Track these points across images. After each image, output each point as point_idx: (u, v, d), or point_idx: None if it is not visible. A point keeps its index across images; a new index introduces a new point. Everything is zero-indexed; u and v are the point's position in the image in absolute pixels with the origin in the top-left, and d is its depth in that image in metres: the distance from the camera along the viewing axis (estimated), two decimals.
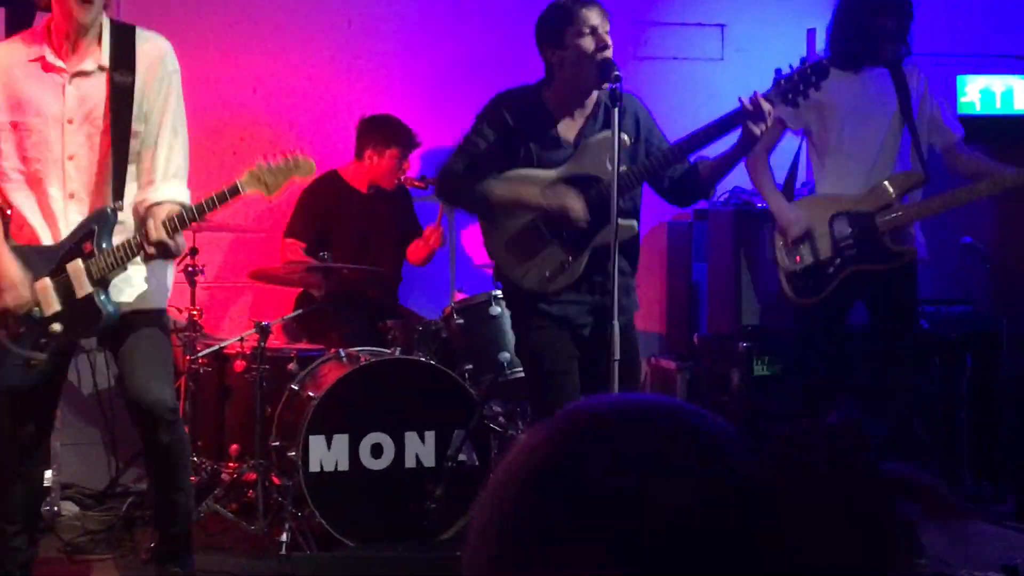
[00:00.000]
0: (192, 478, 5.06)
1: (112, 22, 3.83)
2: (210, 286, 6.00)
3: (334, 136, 6.25)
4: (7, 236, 3.82)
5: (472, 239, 6.25)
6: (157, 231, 3.65)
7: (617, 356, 3.75)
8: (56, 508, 5.18)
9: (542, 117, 4.18)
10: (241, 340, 5.23)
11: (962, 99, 6.50)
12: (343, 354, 5.10)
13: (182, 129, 3.90)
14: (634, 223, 4.15)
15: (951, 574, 4.35)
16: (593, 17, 4.08)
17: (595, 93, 4.19)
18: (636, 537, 0.92)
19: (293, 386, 5.11)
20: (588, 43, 4.07)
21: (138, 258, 3.79)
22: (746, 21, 6.83)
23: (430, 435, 4.98)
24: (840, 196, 4.98)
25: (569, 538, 0.93)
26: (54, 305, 3.75)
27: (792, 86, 4.08)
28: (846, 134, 4.98)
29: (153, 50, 3.84)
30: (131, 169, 3.79)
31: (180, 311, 5.28)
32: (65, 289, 3.75)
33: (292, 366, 5.24)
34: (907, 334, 5.00)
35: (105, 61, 3.76)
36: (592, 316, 4.19)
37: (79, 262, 3.74)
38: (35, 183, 3.80)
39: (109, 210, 3.75)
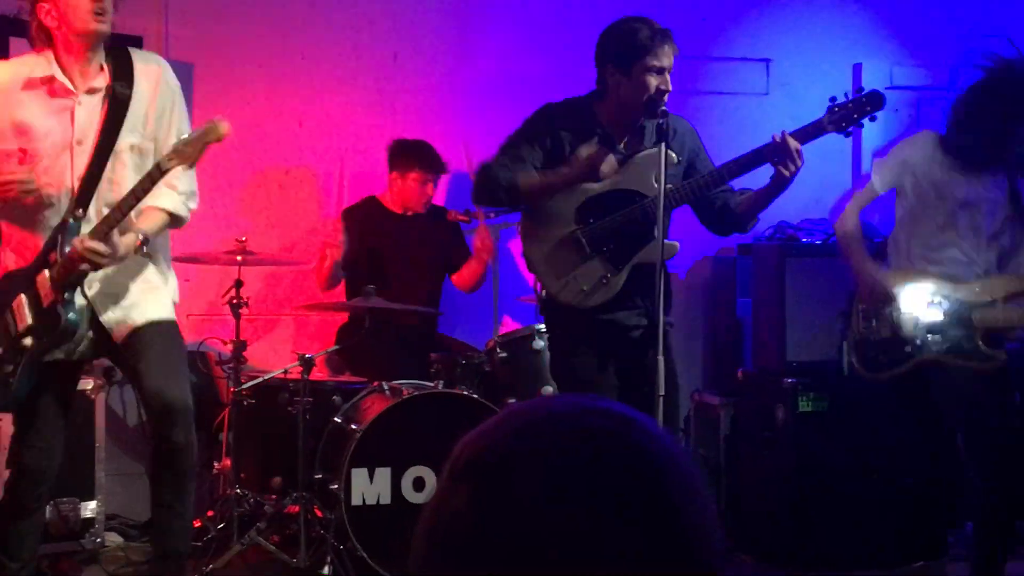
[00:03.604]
0: (235, 510, 5.09)
1: (107, 46, 3.82)
2: (253, 318, 6.03)
3: (379, 169, 6.27)
4: None
5: (515, 272, 6.25)
6: (83, 243, 3.62)
7: (662, 391, 3.73)
8: (100, 539, 5.20)
9: (592, 124, 4.18)
10: (285, 372, 5.25)
11: None
12: (386, 387, 5.10)
13: None
14: (676, 243, 4.11)
15: None
16: (665, 58, 4.09)
17: None
18: None
19: (336, 419, 5.11)
20: (652, 82, 4.07)
21: (137, 277, 3.83)
22: (792, 56, 6.82)
23: None
24: (940, 278, 4.58)
25: None
26: (27, 319, 3.73)
27: (846, 114, 4.03)
28: (956, 221, 4.57)
29: (152, 69, 3.85)
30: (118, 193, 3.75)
31: (225, 343, 5.31)
32: (35, 301, 3.73)
33: (335, 399, 5.25)
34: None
35: (108, 79, 3.77)
36: (634, 341, 4.18)
37: (45, 272, 3.72)
38: (47, 208, 3.77)
39: (71, 219, 3.71)
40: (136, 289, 3.86)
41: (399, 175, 5.91)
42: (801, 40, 6.83)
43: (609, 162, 4.09)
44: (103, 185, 3.75)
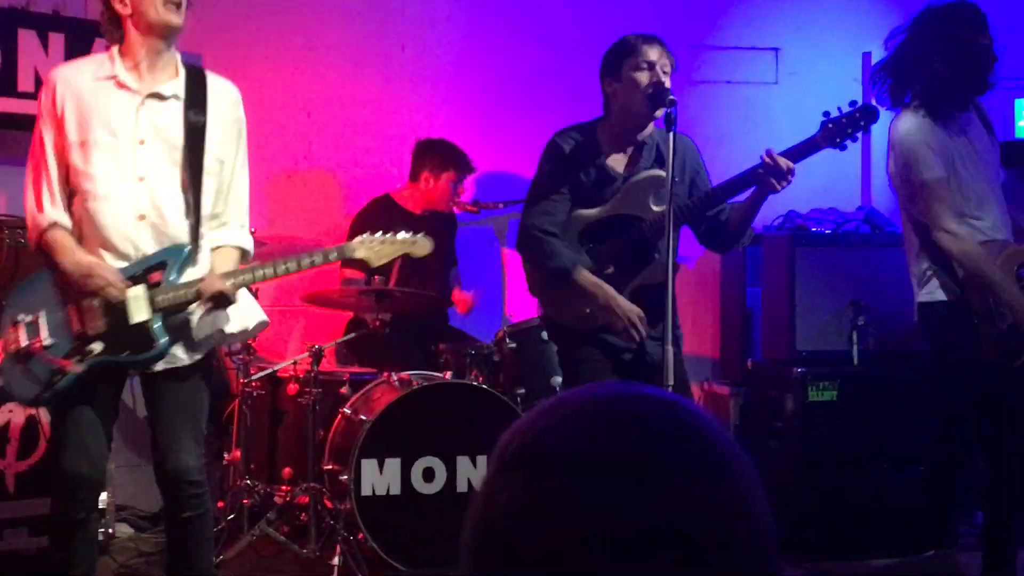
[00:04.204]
0: (245, 500, 5.11)
1: (184, 62, 3.77)
2: (264, 310, 6.02)
3: (387, 160, 6.28)
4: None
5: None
6: (215, 283, 3.59)
7: (671, 381, 3.72)
8: (111, 530, 5.20)
9: (593, 151, 4.21)
10: (294, 364, 5.25)
11: (1020, 122, 6.43)
12: (395, 378, 5.10)
13: (247, 175, 3.89)
14: (678, 264, 4.14)
15: None
16: (652, 53, 4.11)
17: (650, 130, 4.20)
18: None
19: (345, 410, 5.11)
20: (643, 77, 4.09)
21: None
22: (800, 45, 6.80)
23: (482, 459, 4.96)
24: (1009, 244, 4.44)
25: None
26: (98, 325, 3.61)
27: (840, 129, 4.04)
28: (969, 179, 4.46)
29: (226, 94, 3.79)
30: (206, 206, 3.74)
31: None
32: (117, 313, 3.60)
33: (344, 390, 5.25)
34: None
35: (180, 92, 3.69)
36: (634, 350, 4.20)
37: (141, 289, 3.61)
38: (104, 201, 3.65)
39: (186, 247, 3.65)
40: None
41: (432, 175, 5.89)
42: (810, 29, 6.81)
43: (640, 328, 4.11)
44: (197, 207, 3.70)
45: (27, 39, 5.41)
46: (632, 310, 4.11)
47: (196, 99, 3.71)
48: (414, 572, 4.79)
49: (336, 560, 4.77)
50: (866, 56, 6.77)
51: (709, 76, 6.71)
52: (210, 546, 3.97)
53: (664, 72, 4.10)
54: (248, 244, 3.84)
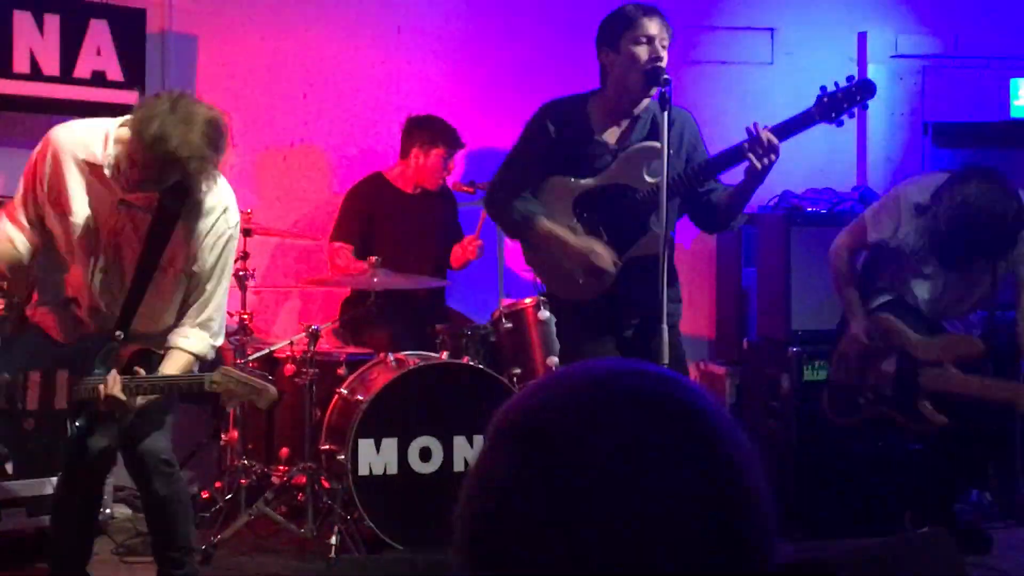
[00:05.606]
0: (242, 480, 5.12)
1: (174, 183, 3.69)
2: (259, 290, 6.03)
3: (383, 141, 6.28)
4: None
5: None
6: (112, 388, 3.58)
7: (666, 360, 3.73)
8: (109, 510, 5.22)
9: (584, 124, 4.17)
10: (291, 344, 5.26)
11: (1015, 102, 6.43)
12: (392, 358, 5.11)
13: (226, 282, 3.89)
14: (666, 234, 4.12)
15: None
16: (652, 27, 4.05)
17: (645, 103, 4.17)
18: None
19: (342, 390, 5.13)
20: (642, 52, 4.05)
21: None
22: (796, 25, 6.79)
23: (479, 439, 4.98)
24: (904, 329, 4.71)
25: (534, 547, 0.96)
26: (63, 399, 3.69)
27: (836, 103, 4.00)
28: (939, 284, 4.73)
29: (213, 205, 3.73)
30: (159, 303, 3.75)
31: (231, 315, 5.31)
32: (49, 390, 3.67)
33: (341, 370, 5.26)
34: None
35: (155, 198, 3.64)
36: (635, 324, 4.19)
37: (66, 374, 3.68)
38: (69, 282, 3.75)
39: (110, 341, 3.70)
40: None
41: (422, 152, 5.88)
42: (806, 8, 6.80)
43: (606, 257, 4.09)
44: (146, 299, 3.71)
45: (22, 20, 5.40)
46: (586, 245, 4.07)
47: (172, 202, 3.64)
48: (411, 551, 4.81)
49: (333, 540, 4.79)
50: (862, 36, 6.77)
51: (704, 56, 6.71)
52: (190, 519, 4.01)
53: (663, 46, 4.06)
54: (201, 349, 3.81)
